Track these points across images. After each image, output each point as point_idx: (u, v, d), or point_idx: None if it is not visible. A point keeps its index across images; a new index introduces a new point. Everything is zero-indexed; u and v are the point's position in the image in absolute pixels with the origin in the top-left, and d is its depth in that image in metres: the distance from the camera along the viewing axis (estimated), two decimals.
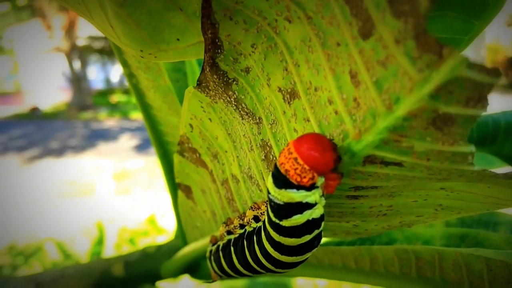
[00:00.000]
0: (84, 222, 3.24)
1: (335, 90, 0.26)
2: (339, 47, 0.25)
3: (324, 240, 0.64)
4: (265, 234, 0.31)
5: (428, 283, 0.48)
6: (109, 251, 2.26)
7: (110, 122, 10.10)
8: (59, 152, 7.05)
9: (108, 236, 2.31)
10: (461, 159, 0.24)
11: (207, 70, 0.33)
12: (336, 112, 0.27)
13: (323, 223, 0.30)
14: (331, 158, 0.27)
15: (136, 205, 3.89)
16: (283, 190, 0.28)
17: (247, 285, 1.84)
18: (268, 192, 0.29)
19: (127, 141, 7.50)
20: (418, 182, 0.30)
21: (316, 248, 0.31)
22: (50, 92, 13.86)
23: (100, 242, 2.23)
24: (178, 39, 0.32)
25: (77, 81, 12.09)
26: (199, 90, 0.35)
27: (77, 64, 12.18)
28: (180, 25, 0.31)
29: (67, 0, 0.35)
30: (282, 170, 0.27)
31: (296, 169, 0.27)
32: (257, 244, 0.33)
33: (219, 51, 0.31)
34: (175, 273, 0.70)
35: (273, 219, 0.29)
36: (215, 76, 0.33)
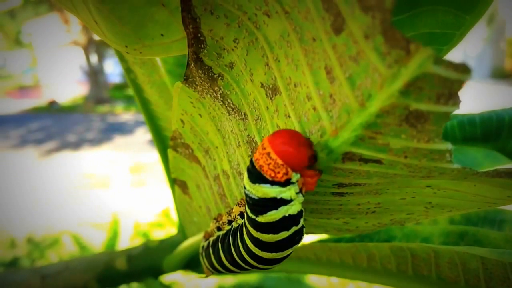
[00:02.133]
0: (100, 214, 3.28)
1: (312, 86, 0.26)
2: (315, 43, 0.24)
3: (322, 236, 0.64)
4: (245, 230, 0.31)
5: (424, 280, 0.47)
6: (124, 244, 2.28)
7: (126, 115, 10.16)
8: (76, 145, 7.12)
9: (123, 229, 2.33)
10: (438, 156, 0.24)
11: (192, 65, 0.32)
12: (314, 109, 0.26)
13: (302, 220, 0.30)
14: (305, 154, 0.26)
15: (151, 198, 3.92)
16: (257, 185, 0.27)
17: (260, 279, 1.84)
18: (244, 187, 0.29)
19: (143, 135, 7.54)
20: (402, 180, 0.29)
21: (297, 245, 0.31)
22: (68, 85, 13.98)
23: (115, 234, 2.25)
24: (162, 35, 0.32)
25: (94, 74, 12.18)
26: (187, 85, 0.35)
27: (94, 58, 12.27)
28: (164, 20, 0.31)
29: None
30: (257, 166, 0.27)
31: (269, 164, 0.26)
32: (240, 241, 0.33)
33: (202, 46, 0.31)
34: (176, 267, 0.70)
35: (250, 215, 0.29)
36: (200, 71, 0.33)
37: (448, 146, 0.23)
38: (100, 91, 12.27)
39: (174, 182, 0.52)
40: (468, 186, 0.30)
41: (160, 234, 2.46)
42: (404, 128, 0.22)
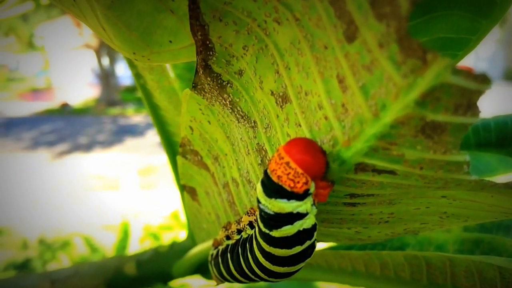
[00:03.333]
0: (110, 216, 3.29)
1: (324, 94, 0.25)
2: (326, 50, 0.24)
3: (333, 244, 0.63)
4: (256, 244, 0.30)
5: None
6: (133, 245, 2.28)
7: (137, 118, 10.20)
8: (88, 147, 7.16)
9: (133, 231, 2.34)
10: (456, 168, 0.23)
11: (201, 72, 0.32)
12: (326, 118, 0.25)
13: (315, 233, 0.29)
14: (323, 161, 0.26)
15: (161, 200, 3.92)
16: (273, 200, 0.26)
17: (270, 283, 1.83)
18: (258, 201, 0.28)
19: (154, 137, 7.55)
20: (416, 191, 0.28)
21: (309, 258, 0.30)
22: (80, 88, 14.04)
23: (125, 236, 2.25)
24: (170, 41, 0.31)
25: (106, 77, 12.25)
26: (196, 92, 0.35)
27: (105, 61, 12.34)
28: (172, 27, 0.31)
29: (61, 1, 0.34)
30: (274, 177, 0.26)
31: (288, 174, 0.25)
32: (250, 253, 0.32)
33: (211, 53, 0.30)
34: (186, 273, 0.70)
35: (263, 229, 0.28)
36: (209, 79, 0.32)
37: (466, 157, 0.22)
38: (112, 94, 12.34)
39: (183, 188, 0.52)
40: (485, 197, 0.29)
41: (169, 236, 2.46)
42: (420, 139, 0.21)
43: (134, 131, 8.40)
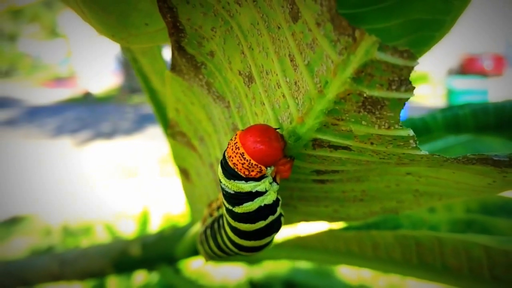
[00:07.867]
0: (132, 203, 3.34)
1: (280, 73, 0.26)
2: (279, 30, 0.24)
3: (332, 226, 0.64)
4: (225, 219, 0.32)
5: (429, 269, 0.47)
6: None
7: None
8: (110, 135, 7.25)
9: (153, 218, 2.36)
10: (403, 143, 0.24)
11: (176, 54, 0.33)
12: (283, 96, 0.27)
13: (279, 208, 0.30)
14: (278, 149, 0.26)
15: (180, 188, 3.95)
16: (232, 181, 0.28)
17: (290, 272, 1.84)
18: (220, 181, 0.29)
19: None
20: (378, 167, 0.29)
21: (276, 233, 0.31)
22: (103, 75, 14.11)
23: (146, 223, 2.28)
24: (147, 24, 0.32)
25: (128, 64, 12.33)
26: (175, 74, 0.36)
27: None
28: (147, 9, 0.32)
29: None
30: (230, 164, 0.27)
31: (243, 163, 0.26)
32: (222, 228, 0.34)
33: (182, 35, 0.31)
34: (188, 254, 0.72)
35: (227, 205, 0.29)
36: (184, 60, 0.33)
37: (410, 132, 0.23)
38: (134, 81, 12.41)
39: (178, 170, 0.53)
40: (448, 174, 0.30)
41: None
42: (363, 115, 0.22)
43: (155, 119, 8.45)
